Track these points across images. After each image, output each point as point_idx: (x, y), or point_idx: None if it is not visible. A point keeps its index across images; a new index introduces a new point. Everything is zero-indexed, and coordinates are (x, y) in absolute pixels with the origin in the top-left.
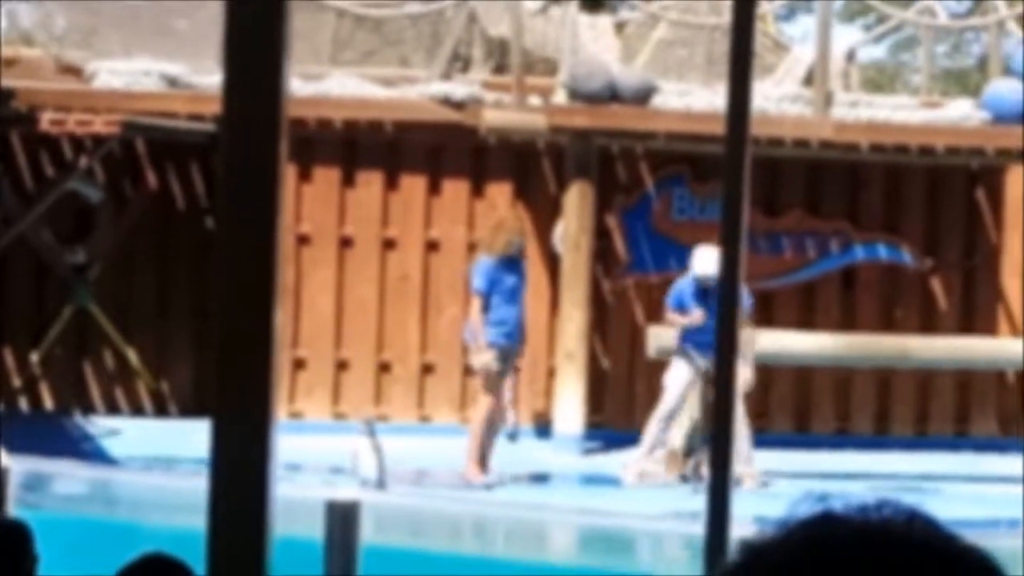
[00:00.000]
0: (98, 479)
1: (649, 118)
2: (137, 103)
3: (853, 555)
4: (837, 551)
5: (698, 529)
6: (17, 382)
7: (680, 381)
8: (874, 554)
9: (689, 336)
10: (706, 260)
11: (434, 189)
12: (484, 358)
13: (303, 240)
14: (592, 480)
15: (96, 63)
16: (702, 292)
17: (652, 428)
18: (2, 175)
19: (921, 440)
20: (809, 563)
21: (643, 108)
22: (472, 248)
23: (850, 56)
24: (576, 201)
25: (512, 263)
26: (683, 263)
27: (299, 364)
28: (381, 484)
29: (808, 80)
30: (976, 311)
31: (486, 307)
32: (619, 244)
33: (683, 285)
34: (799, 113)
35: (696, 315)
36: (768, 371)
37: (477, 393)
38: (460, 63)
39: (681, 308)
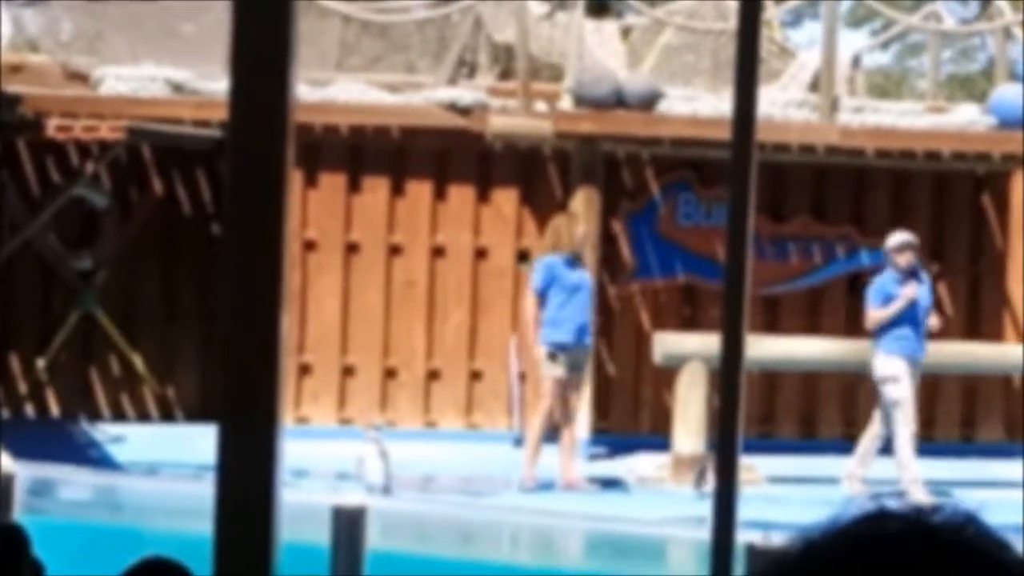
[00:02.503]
0: (104, 485)
1: (655, 123)
2: (143, 109)
3: (900, 553)
4: (885, 548)
5: (704, 535)
6: (23, 388)
7: (906, 390)
8: (921, 554)
9: (898, 339)
10: (902, 235)
11: (440, 195)
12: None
13: (309, 246)
14: (598, 485)
15: (102, 69)
16: (906, 279)
17: (900, 447)
18: (8, 181)
19: (927, 445)
20: (856, 559)
21: (649, 113)
22: (479, 253)
23: (856, 61)
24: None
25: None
26: (689, 268)
27: (305, 370)
28: (387, 490)
29: (814, 86)
30: (982, 316)
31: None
32: (625, 250)
33: (884, 279)
34: (805, 118)
35: (909, 290)
36: (774, 376)
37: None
38: (466, 69)
39: (888, 302)
